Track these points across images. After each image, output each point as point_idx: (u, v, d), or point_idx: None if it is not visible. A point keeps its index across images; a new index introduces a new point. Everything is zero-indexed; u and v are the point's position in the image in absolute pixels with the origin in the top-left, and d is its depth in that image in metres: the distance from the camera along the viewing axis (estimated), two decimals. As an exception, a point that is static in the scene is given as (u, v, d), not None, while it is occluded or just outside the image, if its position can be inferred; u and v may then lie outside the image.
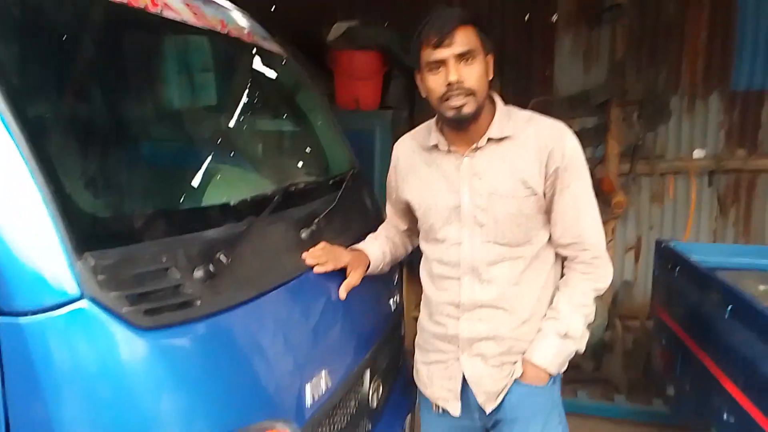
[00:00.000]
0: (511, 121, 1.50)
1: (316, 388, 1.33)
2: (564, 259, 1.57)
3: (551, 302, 1.56)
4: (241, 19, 1.92)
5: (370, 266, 1.68)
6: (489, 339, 1.53)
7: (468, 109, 1.42)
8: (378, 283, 1.92)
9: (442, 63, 1.40)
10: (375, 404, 1.65)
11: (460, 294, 1.53)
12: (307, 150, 2.14)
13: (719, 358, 2.22)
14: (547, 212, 1.51)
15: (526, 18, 4.46)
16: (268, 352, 1.23)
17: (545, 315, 1.54)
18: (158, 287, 1.03)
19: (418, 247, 1.77)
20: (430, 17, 1.43)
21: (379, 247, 1.74)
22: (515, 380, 1.53)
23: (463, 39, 1.40)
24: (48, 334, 0.92)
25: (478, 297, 1.52)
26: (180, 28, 1.53)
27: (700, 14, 4.26)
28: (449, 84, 1.39)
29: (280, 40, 2.13)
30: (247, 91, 1.87)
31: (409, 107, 4.55)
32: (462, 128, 1.48)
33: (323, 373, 1.38)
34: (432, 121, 1.60)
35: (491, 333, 1.52)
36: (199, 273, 1.11)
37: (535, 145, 1.47)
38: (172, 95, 1.82)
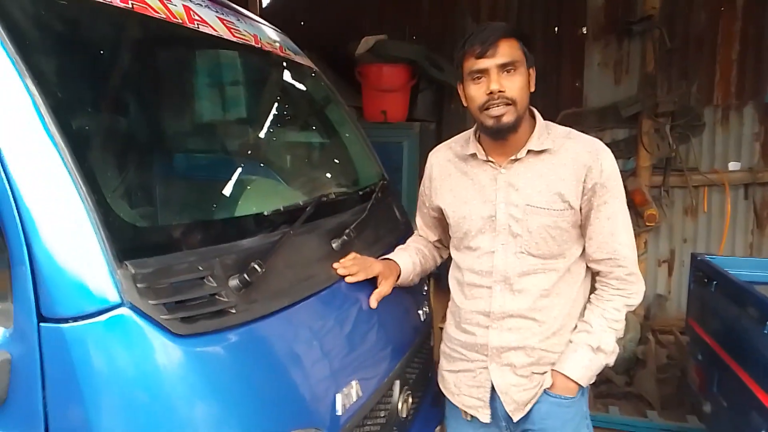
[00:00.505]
0: (551, 135, 1.53)
1: (347, 397, 1.33)
2: (596, 274, 1.57)
3: (580, 316, 1.57)
4: (273, 34, 1.96)
5: (401, 276, 1.68)
6: (519, 349, 1.53)
7: (508, 119, 1.44)
8: (407, 294, 1.92)
9: (484, 73, 1.43)
10: (405, 414, 1.64)
11: (491, 303, 1.54)
12: (337, 162, 2.16)
13: (757, 373, 2.16)
14: (582, 227, 1.54)
15: (556, 30, 4.45)
16: (301, 360, 1.24)
17: (575, 327, 1.56)
18: (195, 295, 1.05)
19: (445, 259, 1.79)
20: (475, 30, 1.47)
21: (409, 258, 1.74)
22: (544, 390, 1.54)
23: (506, 50, 1.43)
24: (88, 340, 0.94)
25: (509, 307, 1.53)
26: (216, 42, 1.57)
27: (732, 25, 4.20)
28: (491, 93, 1.42)
29: (310, 55, 2.17)
30: (279, 103, 1.90)
31: (437, 120, 4.57)
32: (501, 138, 1.50)
33: (354, 382, 1.38)
34: (470, 131, 1.63)
35: (521, 343, 1.53)
36: (234, 282, 1.12)
37: (573, 161, 1.49)
38: (208, 108, 1.86)
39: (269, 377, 1.14)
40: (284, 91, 1.99)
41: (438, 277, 3.67)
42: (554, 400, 1.54)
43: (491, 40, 1.42)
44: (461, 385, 1.63)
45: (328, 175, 2.04)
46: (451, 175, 1.63)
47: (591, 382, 1.58)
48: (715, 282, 2.71)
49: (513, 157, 1.51)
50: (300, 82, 2.06)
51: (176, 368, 0.98)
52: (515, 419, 1.56)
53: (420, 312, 1.98)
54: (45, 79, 1.03)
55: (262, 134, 1.80)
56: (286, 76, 1.98)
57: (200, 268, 1.08)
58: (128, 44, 1.33)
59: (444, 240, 1.76)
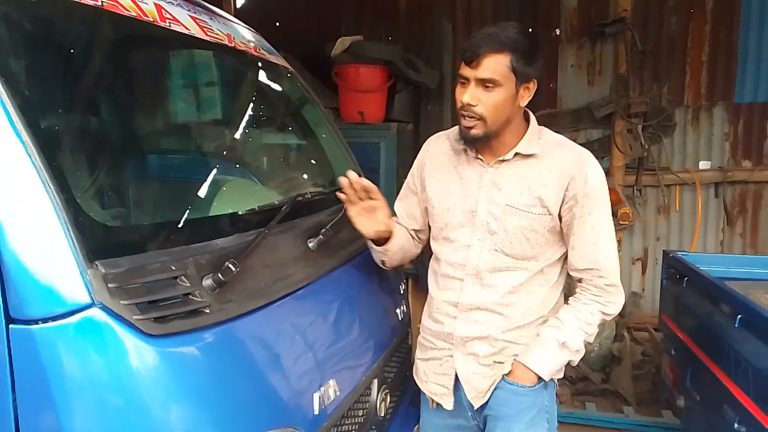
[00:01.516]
0: (541, 141, 1.56)
1: (325, 396, 1.33)
2: (578, 281, 1.61)
3: (547, 316, 1.60)
4: (247, 34, 1.95)
5: (393, 239, 1.69)
6: (482, 339, 1.57)
7: (475, 132, 1.48)
8: (385, 293, 1.92)
9: (466, 80, 1.46)
10: (383, 413, 1.64)
11: (460, 294, 1.58)
12: (313, 162, 2.16)
13: (729, 368, 2.20)
14: (565, 236, 1.56)
15: (529, 32, 4.50)
16: (277, 360, 1.23)
17: (544, 322, 1.59)
18: (168, 295, 1.04)
19: (422, 257, 1.81)
20: (480, 31, 1.47)
21: (403, 233, 1.74)
22: (503, 377, 1.58)
23: (490, 66, 1.42)
24: (59, 342, 0.92)
25: (477, 300, 1.57)
26: (188, 41, 1.56)
27: (702, 28, 4.30)
28: (462, 104, 1.47)
29: (285, 55, 2.16)
30: (254, 103, 1.89)
31: (414, 120, 4.59)
32: (470, 145, 1.54)
33: (332, 381, 1.37)
34: None
35: (484, 333, 1.57)
36: (208, 281, 1.11)
37: (559, 168, 1.52)
38: (181, 108, 1.84)
39: (245, 377, 1.13)
40: (259, 91, 1.98)
41: (416, 277, 3.70)
42: (511, 387, 1.57)
43: (478, 52, 1.42)
44: (429, 372, 1.67)
45: (305, 175, 2.03)
46: (443, 166, 1.65)
47: (552, 377, 1.60)
48: (687, 278, 2.77)
49: (501, 158, 1.54)
50: (275, 82, 2.05)
51: (149, 369, 0.97)
52: (475, 406, 1.60)
53: (398, 311, 1.98)
54: (12, 77, 1.01)
55: (236, 134, 1.78)
56: (261, 76, 1.97)
57: (173, 267, 1.07)
58: (98, 43, 1.31)
59: (422, 232, 1.78)
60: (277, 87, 2.07)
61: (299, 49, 4.03)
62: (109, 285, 0.95)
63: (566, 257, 1.60)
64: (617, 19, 4.13)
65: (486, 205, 1.55)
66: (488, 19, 4.51)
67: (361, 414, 1.55)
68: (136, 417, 0.96)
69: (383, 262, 1.75)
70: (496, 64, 1.42)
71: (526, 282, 1.56)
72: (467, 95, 1.45)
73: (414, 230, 1.78)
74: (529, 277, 1.56)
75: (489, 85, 1.43)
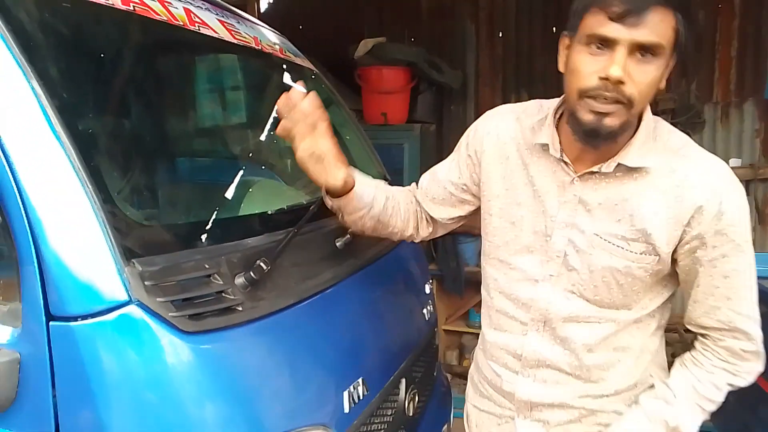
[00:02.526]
0: (656, 146, 1.10)
1: (354, 395, 1.33)
2: (698, 335, 1.18)
3: (645, 374, 1.20)
4: (272, 36, 1.97)
5: (354, 191, 1.24)
6: (555, 407, 1.21)
7: (611, 122, 1.01)
8: (412, 294, 1.92)
9: (610, 44, 0.98)
10: (411, 413, 1.64)
11: (523, 344, 1.21)
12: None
13: (765, 369, 2.15)
14: (683, 283, 1.15)
15: (554, 30, 4.47)
16: (307, 358, 1.24)
17: (651, 386, 1.20)
18: (202, 293, 1.06)
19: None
20: None
21: (373, 187, 1.30)
22: None
23: (657, 26, 0.97)
24: (97, 338, 0.95)
25: (546, 355, 1.19)
26: (217, 45, 1.58)
27: (730, 23, 4.21)
28: (605, 78, 0.98)
29: (309, 58, 2.17)
30: (281, 105, 1.91)
31: (437, 121, 4.58)
32: (591, 144, 1.07)
33: (360, 381, 1.38)
34: (549, 108, 1.17)
35: (557, 400, 1.20)
36: (240, 280, 1.13)
37: (678, 191, 1.06)
38: (209, 110, 1.87)
39: (277, 374, 1.14)
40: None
41: (441, 278, 3.69)
42: None
43: (643, 4, 0.95)
44: (483, 427, 1.34)
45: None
46: (509, 158, 1.21)
47: None
48: (718, 278, 2.71)
49: (595, 169, 1.09)
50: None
51: (185, 365, 0.98)
52: None
53: (424, 311, 1.98)
54: (50, 80, 1.04)
55: (264, 136, 1.80)
56: (287, 78, 1.98)
57: (206, 266, 1.09)
58: (131, 46, 1.34)
59: (439, 217, 1.36)
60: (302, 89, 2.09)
61: (321, 52, 4.05)
62: (145, 282, 0.97)
63: (671, 299, 1.20)
64: (643, 16, 4.07)
65: (566, 230, 1.13)
66: (511, 18, 4.49)
67: (389, 413, 1.55)
68: (172, 412, 0.98)
69: (343, 219, 1.30)
70: (664, 24, 0.97)
71: (613, 336, 1.16)
72: (616, 67, 0.96)
73: (425, 210, 1.37)
74: (617, 330, 1.16)
75: (649, 53, 0.98)
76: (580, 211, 1.12)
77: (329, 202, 1.28)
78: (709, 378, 1.14)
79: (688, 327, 1.18)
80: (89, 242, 0.97)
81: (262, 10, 4.85)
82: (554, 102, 1.17)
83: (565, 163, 1.13)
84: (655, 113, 3.52)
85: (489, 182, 1.23)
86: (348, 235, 1.57)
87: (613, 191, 1.10)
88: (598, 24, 0.98)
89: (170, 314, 0.97)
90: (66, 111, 1.02)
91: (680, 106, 4.19)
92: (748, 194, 4.50)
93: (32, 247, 0.95)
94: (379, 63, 4.02)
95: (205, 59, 1.81)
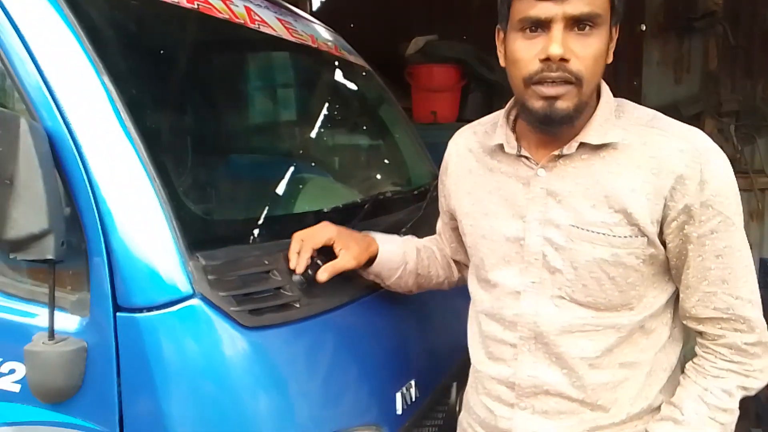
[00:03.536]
0: (622, 121, 1.01)
1: (407, 396, 1.32)
2: (698, 334, 1.05)
3: (660, 395, 1.06)
4: (327, 34, 1.98)
5: (378, 259, 1.24)
6: None
7: (564, 105, 0.93)
8: (462, 295, 1.89)
9: (543, 24, 0.92)
10: (462, 417, 1.62)
11: (516, 370, 1.06)
12: (391, 161, 2.16)
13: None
14: (673, 268, 1.02)
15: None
16: (361, 357, 1.24)
17: (660, 411, 1.05)
18: (261, 288, 1.07)
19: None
20: None
21: (399, 246, 1.29)
22: None
23: None
24: (161, 330, 0.97)
25: (543, 379, 1.04)
26: (276, 43, 1.60)
27: (802, 21, 4.01)
28: (547, 59, 0.91)
29: (360, 55, 2.18)
30: (335, 103, 1.92)
31: (487, 120, 4.53)
32: (548, 131, 1.00)
33: (413, 382, 1.37)
34: (500, 112, 1.12)
35: None
36: (297, 277, 1.13)
37: (654, 162, 0.96)
38: (269, 107, 1.90)
39: (331, 372, 1.15)
40: (340, 90, 2.00)
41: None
42: None
43: None
44: None
45: (383, 174, 2.04)
46: (471, 171, 1.14)
47: None
48: (785, 288, 2.58)
49: (557, 152, 1.00)
50: (354, 82, 2.07)
51: (244, 359, 1.00)
52: None
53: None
54: (120, 77, 1.07)
55: (322, 134, 1.82)
56: (341, 75, 1.99)
57: (266, 262, 1.10)
58: (195, 44, 1.36)
59: (464, 259, 1.29)
60: (356, 87, 2.09)
61: (372, 50, 4.06)
62: (209, 276, 0.99)
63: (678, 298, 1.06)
64: (707, 14, 3.91)
65: (539, 227, 1.02)
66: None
67: (440, 416, 1.53)
68: (230, 404, 0.99)
69: (387, 286, 1.30)
70: None
71: (618, 347, 1.01)
72: (555, 44, 0.90)
73: (449, 255, 1.36)
74: (621, 338, 1.01)
75: (587, 24, 0.91)
76: (551, 204, 1.01)
77: (364, 274, 1.27)
78: (717, 384, 1.00)
79: (685, 323, 1.05)
80: (156, 235, 0.99)
81: (314, 7, 4.88)
82: (504, 108, 1.12)
83: (525, 157, 1.04)
84: (718, 115, 3.21)
85: (458, 201, 1.17)
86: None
87: (582, 175, 0.99)
88: (528, 6, 0.92)
89: (231, 308, 0.99)
90: (134, 107, 1.05)
91: (745, 109, 4.01)
92: (807, 200, 4.28)
93: (102, 239, 0.98)
94: (429, 61, 4.00)
95: (265, 57, 1.83)
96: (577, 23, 0.91)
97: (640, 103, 1.07)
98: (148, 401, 0.98)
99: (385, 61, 4.16)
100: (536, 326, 1.03)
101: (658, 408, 1.05)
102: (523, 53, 0.94)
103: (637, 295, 1.01)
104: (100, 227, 0.98)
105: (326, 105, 1.90)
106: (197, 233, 1.03)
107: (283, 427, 1.02)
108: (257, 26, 1.50)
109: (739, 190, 1.01)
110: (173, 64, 1.26)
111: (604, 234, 0.98)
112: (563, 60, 0.91)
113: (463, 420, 1.24)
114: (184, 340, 0.97)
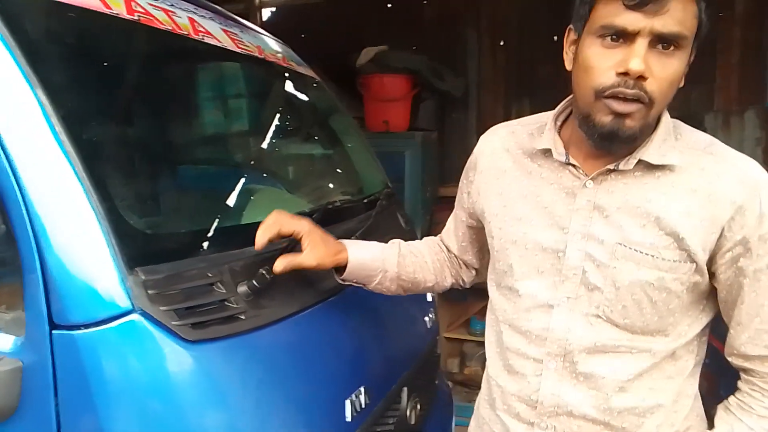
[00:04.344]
0: (679, 143, 0.98)
1: (356, 404, 1.33)
2: (742, 371, 1.03)
3: (684, 422, 1.05)
4: (275, 45, 1.98)
5: (350, 267, 1.22)
6: None
7: (633, 124, 0.90)
8: (413, 302, 1.92)
9: (626, 36, 0.87)
10: (414, 422, 1.64)
11: (539, 388, 1.02)
12: (342, 171, 2.18)
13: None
14: (723, 303, 1.00)
15: (555, 38, 4.49)
16: (309, 367, 1.24)
17: None
18: (205, 301, 1.06)
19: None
20: None
21: (379, 252, 1.26)
22: None
23: (680, 15, 0.86)
24: (100, 347, 0.95)
25: (568, 399, 1.00)
26: (221, 54, 1.59)
27: (731, 31, 4.23)
28: (625, 73, 0.87)
29: (311, 66, 2.19)
30: (284, 114, 1.92)
31: (439, 129, 4.59)
32: (606, 148, 0.96)
33: (362, 389, 1.37)
34: (548, 115, 1.07)
35: None
36: (243, 288, 1.13)
37: (711, 189, 0.93)
38: (214, 119, 1.88)
39: (279, 383, 1.14)
40: (288, 101, 2.01)
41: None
42: None
43: None
44: None
45: (333, 184, 2.05)
46: (506, 172, 1.09)
47: None
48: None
49: (612, 166, 0.96)
50: (304, 93, 2.08)
51: (188, 374, 0.98)
52: None
53: (426, 319, 1.98)
54: (55, 89, 1.04)
55: (267, 145, 1.81)
56: (290, 86, 2.00)
57: (209, 274, 1.09)
58: (136, 56, 1.34)
59: (472, 260, 1.30)
60: (305, 97, 2.10)
61: (324, 60, 4.07)
62: (148, 291, 0.97)
63: (707, 331, 1.05)
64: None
65: (581, 241, 0.98)
66: (514, 27, 4.51)
67: (391, 422, 1.54)
68: (174, 421, 0.98)
69: (373, 290, 1.29)
70: (686, 13, 0.87)
71: (648, 373, 0.99)
72: (637, 60, 0.85)
73: (457, 255, 1.32)
74: (653, 364, 0.98)
75: (672, 44, 0.87)
76: (596, 218, 0.97)
77: (339, 280, 1.28)
78: (762, 425, 0.97)
79: (730, 359, 1.03)
80: (92, 250, 0.97)
81: (265, 18, 4.87)
82: (552, 111, 1.08)
83: (574, 166, 0.99)
84: None
85: (487, 201, 1.11)
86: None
87: (634, 192, 0.96)
88: (613, 13, 0.86)
89: (173, 323, 0.97)
90: (70, 119, 1.03)
91: (681, 115, 4.16)
92: (750, 202, 4.50)
93: (36, 255, 0.95)
94: (381, 71, 4.04)
95: (209, 68, 1.82)
96: (662, 41, 0.87)
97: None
98: (87, 421, 0.95)
99: (339, 71, 4.19)
100: (567, 343, 0.99)
101: None
102: (599, 62, 0.89)
103: (674, 322, 0.98)
104: (34, 243, 0.95)
105: (273, 115, 1.89)
106: (137, 247, 1.01)
107: (227, 441, 1.01)
108: (201, 37, 1.50)
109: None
110: (111, 76, 1.24)
111: (652, 256, 0.94)
112: (641, 78, 0.87)
113: (475, 428, 1.21)
114: (124, 357, 0.95)
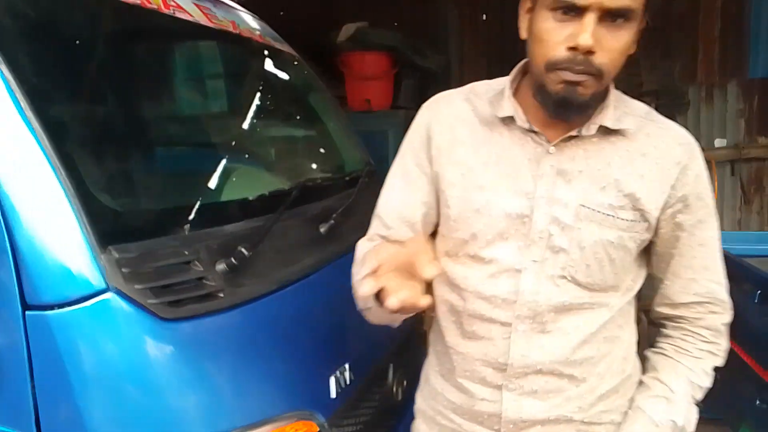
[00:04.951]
0: (629, 110, 1.04)
1: (341, 381, 1.33)
2: (666, 318, 1.12)
3: (631, 374, 1.12)
4: (251, 21, 1.94)
5: None
6: (550, 423, 1.05)
7: (584, 92, 0.94)
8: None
9: (577, 11, 0.90)
10: (400, 397, 1.64)
11: (508, 350, 1.04)
12: (322, 149, 2.15)
13: (749, 344, 2.18)
14: (653, 256, 1.08)
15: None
16: (291, 344, 1.23)
17: (640, 384, 1.11)
18: (181, 279, 1.04)
19: None
20: None
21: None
22: None
23: None
24: (74, 326, 0.93)
25: (536, 357, 1.03)
26: (193, 29, 1.55)
27: (713, 3, 4.22)
28: (574, 47, 0.90)
29: (290, 44, 2.15)
30: (260, 92, 1.88)
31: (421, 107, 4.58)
32: (561, 115, 1.00)
33: (347, 366, 1.37)
34: (505, 81, 1.08)
35: (553, 414, 1.05)
36: (221, 266, 1.11)
37: (658, 152, 1.02)
38: (186, 97, 1.84)
39: (259, 360, 1.13)
40: (266, 79, 1.97)
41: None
42: None
43: None
44: None
45: (313, 162, 2.03)
46: (464, 143, 1.07)
47: None
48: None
49: (575, 132, 1.00)
50: (281, 70, 2.04)
51: (164, 353, 0.97)
52: None
53: (411, 295, 1.97)
54: (20, 67, 1.01)
55: (244, 123, 1.78)
56: (267, 63, 1.96)
57: (186, 252, 1.07)
58: (104, 31, 1.31)
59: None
60: (283, 74, 2.06)
61: (303, 38, 4.02)
62: (122, 270, 0.95)
63: (641, 283, 1.12)
64: (626, -3, 4.07)
65: (547, 206, 1.01)
66: (495, 3, 4.47)
67: (377, 398, 1.55)
68: (151, 399, 0.97)
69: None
70: None
71: (605, 325, 1.05)
72: (586, 35, 0.88)
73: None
74: (609, 318, 1.05)
75: (621, 18, 0.90)
76: (560, 183, 1.01)
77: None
78: (699, 365, 1.07)
79: (659, 310, 1.11)
80: (64, 229, 0.95)
81: (243, -4, 4.77)
82: (506, 78, 1.08)
83: (535, 132, 1.02)
84: (639, 95, 3.39)
85: (442, 170, 1.07)
86: (332, 221, 1.56)
87: (593, 158, 1.01)
88: None
89: (148, 301, 0.96)
90: (37, 98, 1.00)
91: (663, 88, 4.21)
92: (732, 174, 4.56)
93: (5, 235, 0.93)
94: (361, 48, 3.99)
95: (182, 44, 1.78)
96: (611, 15, 0.90)
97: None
98: (64, 401, 0.94)
99: (319, 49, 4.13)
100: (537, 305, 1.02)
101: (629, 378, 1.11)
102: (550, 35, 0.93)
103: (625, 277, 1.06)
104: (3, 223, 0.93)
105: (248, 93, 1.86)
106: (110, 225, 0.99)
107: (208, 420, 1.00)
108: (172, 11, 1.46)
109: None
110: (79, 53, 1.20)
111: (612, 216, 1.01)
112: (589, 52, 0.90)
113: (427, 410, 1.18)
114: (99, 336, 0.93)
